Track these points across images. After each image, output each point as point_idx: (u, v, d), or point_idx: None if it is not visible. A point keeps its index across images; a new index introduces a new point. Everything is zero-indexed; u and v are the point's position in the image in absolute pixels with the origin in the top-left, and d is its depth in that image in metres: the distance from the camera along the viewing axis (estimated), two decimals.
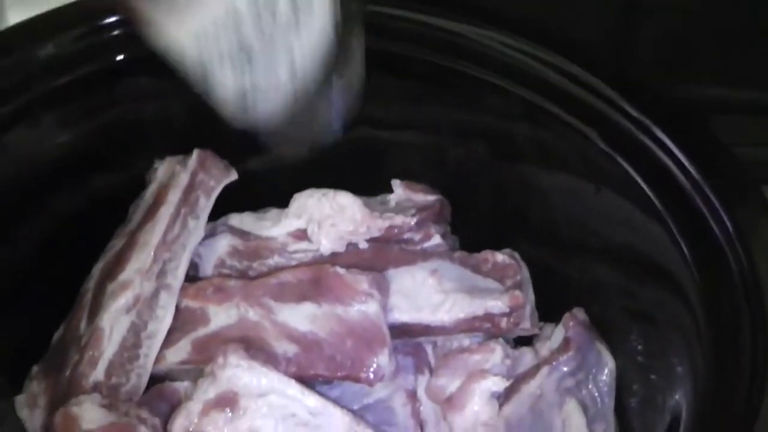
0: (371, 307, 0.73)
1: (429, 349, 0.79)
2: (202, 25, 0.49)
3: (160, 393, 0.75)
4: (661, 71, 0.75)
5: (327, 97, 0.56)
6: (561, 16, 0.75)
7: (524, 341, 0.79)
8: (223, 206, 0.83)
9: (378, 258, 0.79)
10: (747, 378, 0.59)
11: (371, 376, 0.72)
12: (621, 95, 0.70)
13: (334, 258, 0.79)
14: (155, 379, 0.76)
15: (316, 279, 0.76)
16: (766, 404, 0.57)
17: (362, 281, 0.74)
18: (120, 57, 0.80)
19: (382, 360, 0.72)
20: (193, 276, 0.80)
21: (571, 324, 0.76)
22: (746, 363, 0.59)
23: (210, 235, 0.82)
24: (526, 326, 0.76)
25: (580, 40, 0.73)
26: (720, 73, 0.76)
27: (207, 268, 0.82)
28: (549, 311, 0.79)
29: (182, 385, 0.75)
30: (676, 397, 0.66)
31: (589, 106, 0.71)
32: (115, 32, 0.80)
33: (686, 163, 0.66)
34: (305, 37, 0.50)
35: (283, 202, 0.83)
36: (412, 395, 0.76)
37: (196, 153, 0.80)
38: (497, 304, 0.75)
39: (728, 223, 0.64)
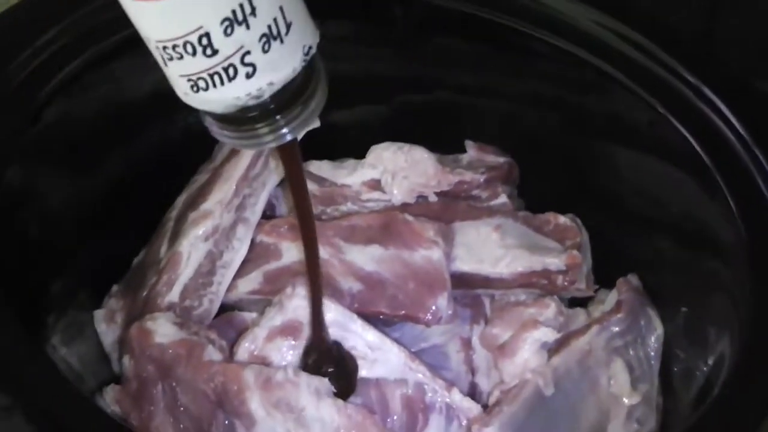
0: (435, 254, 0.77)
1: (487, 302, 0.82)
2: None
3: (229, 320, 0.79)
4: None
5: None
6: None
7: (578, 304, 0.82)
8: (304, 154, 0.86)
9: (445, 211, 0.82)
10: None
11: (429, 317, 0.75)
12: (686, 67, 0.72)
13: (404, 208, 0.83)
14: (225, 308, 0.80)
15: (385, 224, 0.79)
16: None
17: (429, 229, 0.78)
18: None
19: (441, 303, 0.75)
20: (269, 216, 0.85)
21: (625, 288, 0.79)
22: None
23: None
24: (581, 287, 0.79)
25: (650, 11, 0.76)
26: None
27: (283, 210, 0.86)
28: (605, 277, 0.81)
29: (250, 315, 0.79)
30: (716, 361, 0.68)
31: (657, 76, 0.73)
32: None
33: (743, 132, 0.69)
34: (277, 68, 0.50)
35: (360, 155, 0.88)
36: (467, 343, 0.79)
37: None
38: (555, 262, 0.78)
39: None
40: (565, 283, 0.78)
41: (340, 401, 0.70)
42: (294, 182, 0.63)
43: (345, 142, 0.90)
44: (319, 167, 0.88)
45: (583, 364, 0.74)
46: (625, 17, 0.76)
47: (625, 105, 0.76)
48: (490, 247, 0.80)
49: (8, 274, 0.64)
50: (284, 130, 0.53)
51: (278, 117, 0.53)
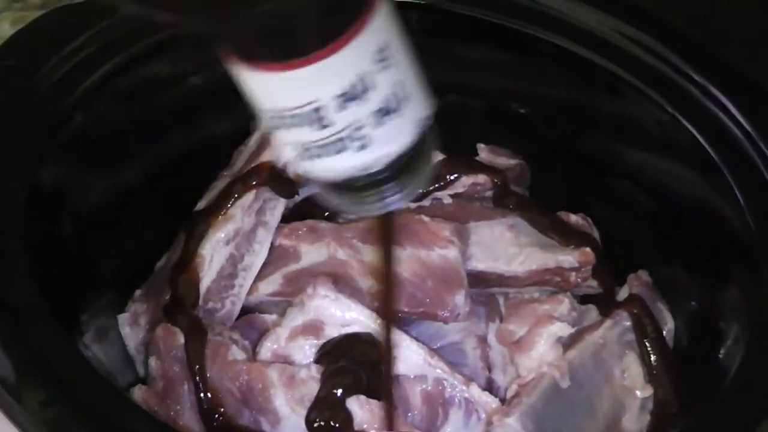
0: (451, 252, 0.79)
1: (501, 300, 0.84)
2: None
3: (251, 322, 0.81)
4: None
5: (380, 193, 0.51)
6: None
7: (591, 301, 0.84)
8: None
9: (460, 212, 0.84)
10: None
11: (447, 314, 0.77)
12: (693, 66, 0.75)
13: (419, 210, 0.85)
14: (246, 311, 0.82)
15: (402, 225, 0.81)
16: None
17: (445, 229, 0.80)
18: None
19: (459, 300, 0.77)
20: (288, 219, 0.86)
21: (635, 284, 0.81)
22: None
23: (306, 183, 0.88)
24: (594, 284, 0.81)
25: (659, 15, 0.78)
26: None
27: None
28: (617, 274, 0.84)
29: (270, 317, 0.81)
30: (726, 354, 0.70)
31: (665, 77, 0.76)
32: None
33: (749, 128, 0.72)
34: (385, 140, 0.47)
35: None
36: (483, 340, 0.81)
37: None
38: (568, 259, 0.80)
39: None
40: (578, 280, 0.80)
41: (363, 397, 0.71)
42: (383, 249, 0.62)
43: None
44: None
45: (597, 357, 0.76)
46: (631, 19, 0.79)
47: (634, 105, 0.78)
48: (504, 246, 0.82)
49: (45, 272, 0.66)
50: (391, 199, 0.50)
51: (387, 186, 0.50)
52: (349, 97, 0.45)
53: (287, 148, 0.48)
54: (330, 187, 0.51)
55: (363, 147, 0.46)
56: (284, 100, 0.45)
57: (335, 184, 0.50)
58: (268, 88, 0.45)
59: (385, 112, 0.46)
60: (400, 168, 0.49)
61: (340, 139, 0.46)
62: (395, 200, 0.50)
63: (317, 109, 0.45)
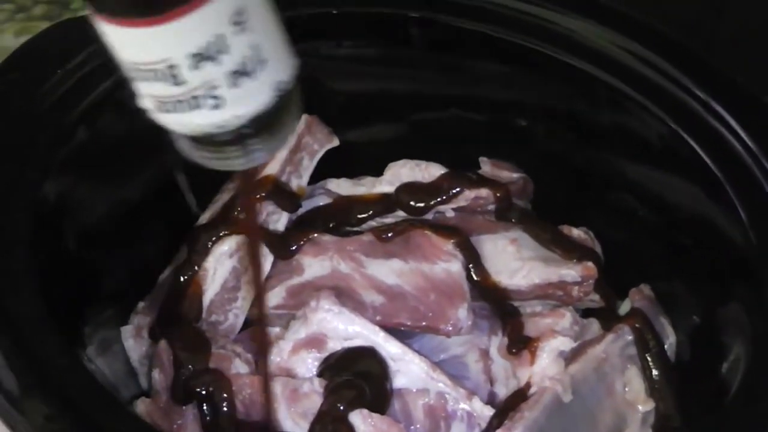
0: (454, 266, 0.79)
1: None
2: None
3: (253, 335, 0.81)
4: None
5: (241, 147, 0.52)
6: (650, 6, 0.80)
7: (593, 315, 0.84)
8: (323, 172, 0.90)
9: (463, 225, 0.84)
10: None
11: (450, 327, 0.77)
12: (697, 84, 0.75)
13: (422, 224, 0.85)
14: (249, 323, 0.82)
15: (405, 239, 0.82)
16: None
17: (447, 242, 0.80)
18: None
19: (462, 313, 0.77)
20: None
21: (637, 298, 0.81)
22: None
23: (309, 196, 0.89)
24: (596, 297, 0.82)
25: (662, 30, 0.79)
26: None
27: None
28: (618, 288, 0.84)
29: (273, 330, 0.81)
30: (728, 369, 0.70)
31: (668, 92, 0.76)
32: None
33: (751, 144, 0.72)
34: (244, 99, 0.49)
35: (377, 172, 0.90)
36: (485, 353, 0.81)
37: (303, 117, 0.86)
38: (570, 273, 0.80)
39: None
40: (581, 294, 0.81)
41: (365, 411, 0.71)
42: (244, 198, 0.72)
43: (363, 160, 0.92)
44: (337, 185, 0.90)
45: (599, 371, 0.76)
46: (633, 34, 0.79)
47: (636, 120, 0.78)
48: (506, 260, 0.82)
49: (48, 286, 0.66)
50: (253, 155, 0.52)
51: (248, 143, 0.51)
52: (203, 57, 0.46)
53: (145, 99, 0.49)
54: (191, 141, 0.52)
55: (217, 106, 0.48)
56: (139, 55, 0.46)
57: (196, 137, 0.51)
58: (124, 42, 0.46)
59: (240, 74, 0.47)
60: (261, 126, 0.50)
61: (194, 97, 0.47)
62: (256, 156, 0.52)
63: (171, 67, 0.46)
